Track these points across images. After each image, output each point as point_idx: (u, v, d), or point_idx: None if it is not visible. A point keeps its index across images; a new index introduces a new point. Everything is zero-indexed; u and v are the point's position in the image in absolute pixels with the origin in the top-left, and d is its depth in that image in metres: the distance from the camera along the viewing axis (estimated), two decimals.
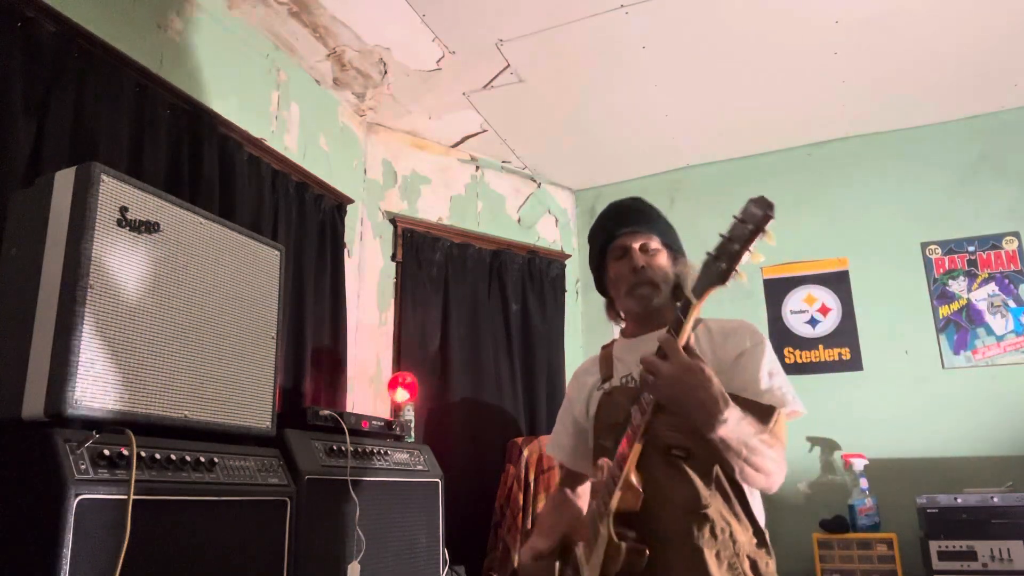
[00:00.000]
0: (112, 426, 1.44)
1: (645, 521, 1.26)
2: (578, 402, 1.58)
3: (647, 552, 1.23)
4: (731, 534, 1.28)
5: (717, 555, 1.26)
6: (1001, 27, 3.02)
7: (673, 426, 1.28)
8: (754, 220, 1.06)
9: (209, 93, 2.62)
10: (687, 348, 1.17)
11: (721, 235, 1.11)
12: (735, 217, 1.08)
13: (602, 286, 1.60)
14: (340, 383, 3.12)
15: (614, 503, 1.24)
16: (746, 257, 1.08)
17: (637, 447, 1.24)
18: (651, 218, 1.54)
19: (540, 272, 4.14)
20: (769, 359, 1.36)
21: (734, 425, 1.18)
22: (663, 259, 1.48)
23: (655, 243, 1.48)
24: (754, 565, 1.29)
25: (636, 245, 1.47)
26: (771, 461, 1.24)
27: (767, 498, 1.38)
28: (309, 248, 3.05)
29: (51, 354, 1.38)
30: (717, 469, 1.30)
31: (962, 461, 3.31)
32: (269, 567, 1.74)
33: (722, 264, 1.09)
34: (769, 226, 1.05)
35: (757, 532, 1.32)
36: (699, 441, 1.24)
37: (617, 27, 2.99)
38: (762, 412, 1.27)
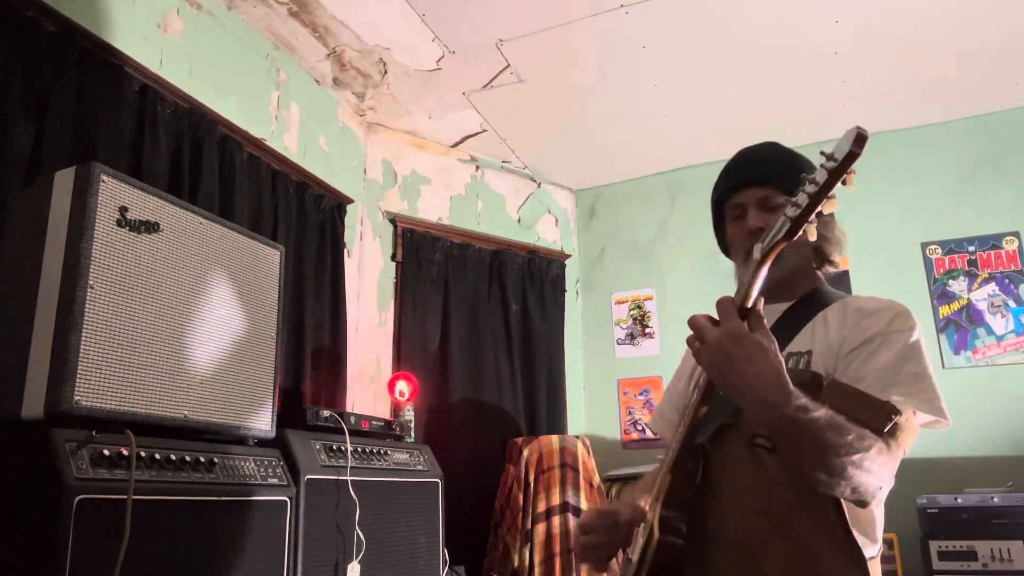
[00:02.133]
0: (112, 426, 1.44)
1: (706, 518, 1.07)
2: (685, 373, 1.37)
3: (680, 549, 1.03)
4: (814, 557, 1.01)
5: (787, 574, 1.01)
6: (1001, 27, 3.02)
7: None
8: (837, 158, 0.83)
9: (209, 93, 2.62)
10: (751, 314, 0.94)
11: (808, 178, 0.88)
12: (823, 153, 0.86)
13: (725, 248, 1.36)
14: (340, 383, 3.12)
15: (660, 487, 1.06)
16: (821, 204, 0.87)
17: (687, 429, 1.05)
18: (779, 167, 1.22)
19: (540, 272, 4.14)
20: (901, 348, 1.06)
21: (792, 415, 0.91)
22: None
23: (781, 198, 1.16)
24: None
25: (755, 202, 1.20)
26: (859, 473, 0.94)
27: None
28: (309, 248, 3.05)
29: (51, 354, 1.38)
30: None
31: (962, 461, 3.31)
32: (269, 567, 1.74)
33: (793, 214, 0.88)
34: (853, 167, 0.83)
35: (855, 560, 1.02)
36: None
37: (617, 27, 2.99)
38: (872, 409, 1.00)
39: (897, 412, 0.99)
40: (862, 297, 1.18)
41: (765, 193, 1.19)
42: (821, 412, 0.94)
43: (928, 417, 1.04)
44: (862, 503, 1.00)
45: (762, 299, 0.97)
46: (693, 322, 0.97)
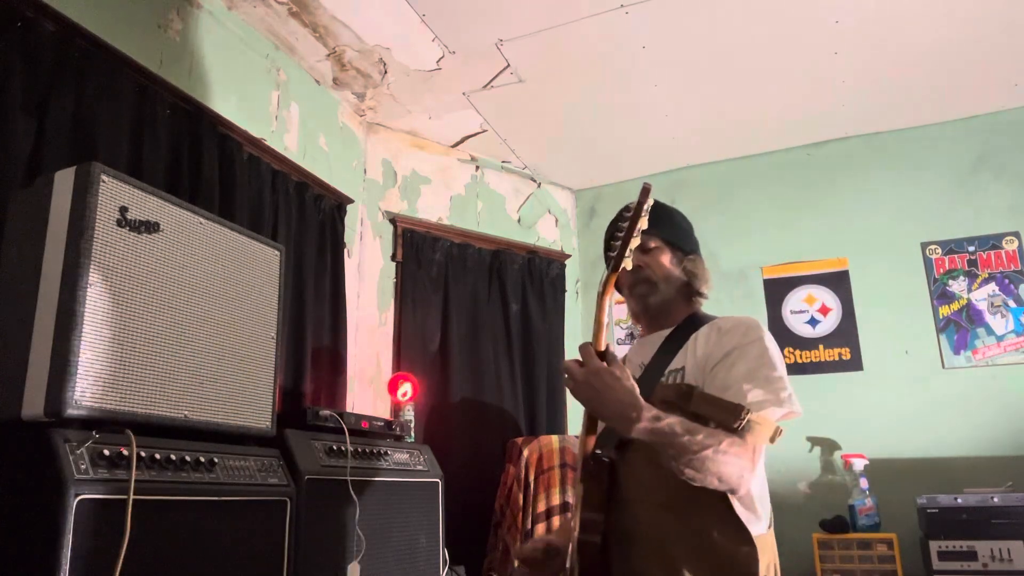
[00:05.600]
0: (112, 426, 1.44)
1: (622, 519, 1.27)
2: None
3: (596, 545, 1.23)
4: (710, 538, 1.21)
5: (692, 556, 1.21)
6: (1001, 27, 3.02)
7: None
8: (635, 207, 1.21)
9: (209, 93, 2.62)
10: (607, 354, 1.22)
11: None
12: (626, 208, 1.25)
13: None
14: (340, 383, 3.12)
15: (578, 495, 1.26)
16: (634, 242, 1.22)
17: (590, 439, 1.30)
18: (651, 217, 1.45)
19: (540, 272, 4.14)
20: (755, 357, 1.28)
21: (648, 426, 1.15)
22: (663, 257, 1.48)
23: (654, 242, 1.48)
24: (737, 568, 1.20)
25: (633, 246, 1.42)
26: (716, 464, 1.16)
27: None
28: (309, 248, 3.05)
29: (51, 354, 1.38)
30: None
31: (962, 461, 3.31)
32: (269, 567, 1.74)
33: (612, 253, 1.22)
34: (645, 209, 1.22)
35: (743, 537, 1.21)
36: None
37: (617, 27, 2.99)
38: (727, 411, 1.22)
39: (747, 411, 1.21)
40: (724, 318, 1.42)
41: (643, 239, 1.44)
42: (672, 419, 1.18)
43: (783, 410, 1.24)
44: (733, 491, 1.20)
45: (612, 347, 1.25)
46: (564, 367, 1.26)
